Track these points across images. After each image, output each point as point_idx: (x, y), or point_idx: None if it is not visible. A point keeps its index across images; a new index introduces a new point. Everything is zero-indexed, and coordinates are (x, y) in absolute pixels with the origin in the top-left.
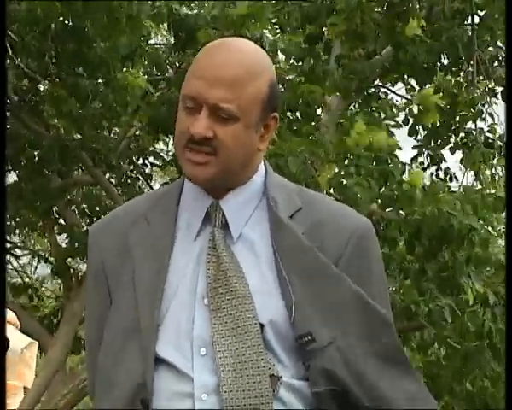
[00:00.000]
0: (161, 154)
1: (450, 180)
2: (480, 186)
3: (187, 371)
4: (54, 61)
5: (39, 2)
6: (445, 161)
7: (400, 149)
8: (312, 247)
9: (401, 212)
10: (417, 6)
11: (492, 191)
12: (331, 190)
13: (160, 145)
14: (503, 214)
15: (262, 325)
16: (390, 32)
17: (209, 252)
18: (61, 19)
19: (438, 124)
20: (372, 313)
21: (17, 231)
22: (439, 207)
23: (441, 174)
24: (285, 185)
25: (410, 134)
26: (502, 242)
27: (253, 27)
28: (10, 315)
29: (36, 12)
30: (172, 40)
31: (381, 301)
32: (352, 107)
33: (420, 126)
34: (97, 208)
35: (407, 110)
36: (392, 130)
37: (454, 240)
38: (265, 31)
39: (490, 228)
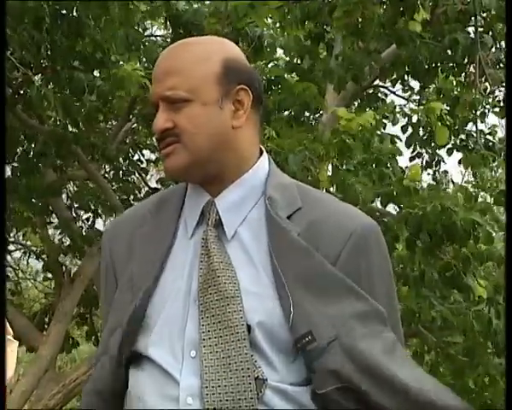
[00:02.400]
0: (157, 148)
1: (448, 183)
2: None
3: (174, 374)
4: (48, 53)
5: None
6: (444, 162)
7: (401, 154)
8: (307, 247)
9: (401, 208)
10: (419, 2)
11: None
12: (331, 189)
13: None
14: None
15: (251, 327)
16: (391, 27)
17: (202, 251)
18: (54, 9)
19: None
20: (370, 310)
21: (9, 226)
22: (442, 202)
23: (438, 177)
24: (287, 185)
25: (407, 145)
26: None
27: (258, 20)
28: None
29: (26, 3)
30: (169, 32)
31: (384, 303)
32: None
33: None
34: (91, 204)
35: (408, 118)
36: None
37: (458, 236)
38: (265, 28)
39: (494, 223)
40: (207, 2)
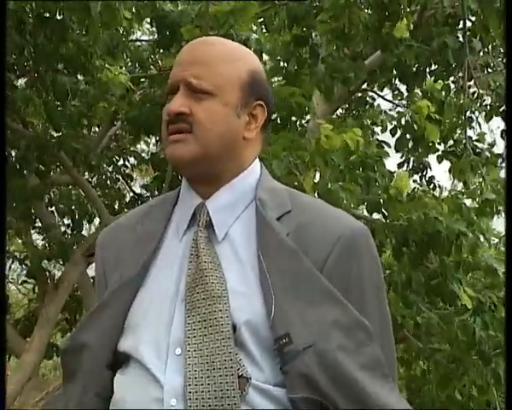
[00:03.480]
0: (142, 154)
1: (434, 189)
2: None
3: (158, 375)
4: (32, 56)
5: None
6: (430, 168)
7: (388, 155)
8: (296, 249)
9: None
10: (407, 8)
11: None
12: (315, 195)
13: (142, 145)
14: (493, 220)
15: (236, 326)
16: (378, 32)
17: (191, 252)
18: (37, 13)
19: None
20: (354, 322)
21: None
22: (426, 212)
23: (425, 182)
24: (278, 189)
25: (396, 149)
26: (492, 248)
27: (238, 27)
28: None
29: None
30: (155, 37)
31: (372, 309)
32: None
33: (407, 135)
34: (75, 209)
35: (396, 121)
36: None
37: (442, 245)
38: (252, 32)
39: (479, 234)
40: (193, 1)
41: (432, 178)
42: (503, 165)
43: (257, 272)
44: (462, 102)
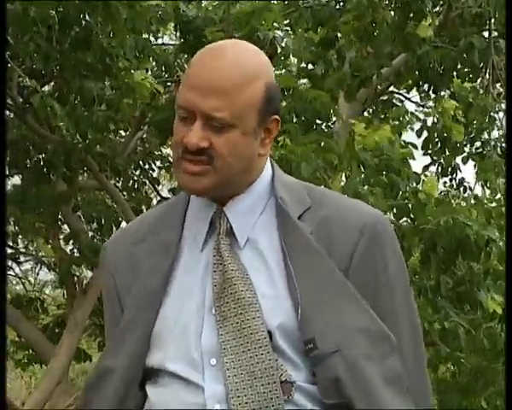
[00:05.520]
0: (169, 158)
1: (464, 191)
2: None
3: (198, 382)
4: (57, 62)
5: (33, 1)
6: (460, 170)
7: (414, 158)
8: (319, 250)
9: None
10: (432, 8)
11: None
12: None
13: (168, 149)
14: None
15: (271, 332)
16: (401, 31)
17: (215, 261)
18: (62, 18)
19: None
20: (380, 332)
21: (20, 237)
22: (454, 216)
23: (455, 185)
24: (294, 184)
25: (423, 149)
26: None
27: (260, 26)
28: None
29: (29, 11)
30: (180, 41)
31: (402, 301)
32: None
33: (434, 135)
34: (103, 215)
35: (422, 121)
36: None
37: (470, 252)
38: (278, 31)
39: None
40: (216, 3)
41: (462, 180)
42: None
43: (284, 274)
44: (485, 103)
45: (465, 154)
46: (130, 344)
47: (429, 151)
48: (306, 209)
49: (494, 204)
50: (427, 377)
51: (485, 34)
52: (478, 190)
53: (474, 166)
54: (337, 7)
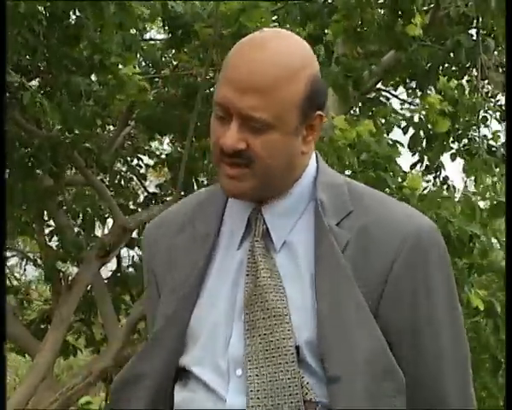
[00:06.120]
0: (156, 153)
1: (448, 189)
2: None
3: (221, 392)
4: (45, 57)
5: None
6: (444, 169)
7: (399, 155)
8: (345, 267)
9: None
10: (420, 6)
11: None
12: None
13: (155, 144)
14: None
15: (299, 347)
16: (391, 30)
17: (248, 264)
18: (51, 13)
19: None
20: (388, 368)
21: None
22: (437, 212)
23: (439, 183)
24: (337, 185)
25: (410, 147)
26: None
27: (250, 23)
28: None
29: (19, 7)
30: (168, 36)
31: (443, 316)
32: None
33: (421, 132)
34: (89, 210)
35: (408, 118)
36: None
37: (453, 247)
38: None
39: (492, 236)
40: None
41: (446, 178)
42: None
43: (313, 286)
44: (474, 101)
45: (453, 151)
46: (166, 342)
47: (415, 149)
48: (347, 215)
49: (481, 201)
50: (472, 400)
51: (473, 33)
52: (461, 186)
53: (464, 168)
54: (326, 3)
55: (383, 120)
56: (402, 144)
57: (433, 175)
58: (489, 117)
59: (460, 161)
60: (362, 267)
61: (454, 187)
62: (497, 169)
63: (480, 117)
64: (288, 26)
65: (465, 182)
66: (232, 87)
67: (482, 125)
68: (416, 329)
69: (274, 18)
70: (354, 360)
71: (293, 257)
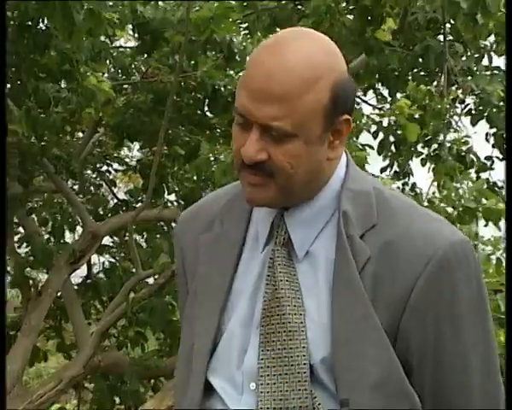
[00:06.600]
0: (125, 160)
1: (416, 195)
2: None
3: (233, 405)
4: (13, 63)
5: None
6: (412, 175)
7: (368, 156)
8: (361, 287)
9: None
10: (386, 12)
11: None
12: None
13: (125, 151)
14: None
15: (313, 366)
16: (361, 36)
17: (268, 273)
18: (19, 21)
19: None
20: (398, 389)
21: None
22: None
23: (407, 189)
24: (365, 193)
25: (379, 152)
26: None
27: (220, 31)
28: None
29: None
30: (137, 43)
31: (472, 339)
32: None
33: (390, 137)
34: (59, 217)
35: (378, 123)
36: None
37: None
38: (235, 33)
39: None
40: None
41: (414, 185)
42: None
43: (329, 302)
44: (440, 106)
45: (423, 156)
46: (198, 346)
47: (385, 154)
48: (371, 227)
49: (449, 207)
50: None
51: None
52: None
53: (429, 169)
54: (296, 8)
55: (353, 125)
56: (372, 147)
57: (402, 181)
58: (454, 122)
59: (430, 167)
60: (385, 284)
61: (422, 194)
62: (460, 176)
63: (447, 123)
64: (257, 32)
65: (429, 188)
66: (250, 96)
67: (452, 130)
68: (438, 348)
69: (244, 25)
70: (363, 385)
71: (314, 269)
